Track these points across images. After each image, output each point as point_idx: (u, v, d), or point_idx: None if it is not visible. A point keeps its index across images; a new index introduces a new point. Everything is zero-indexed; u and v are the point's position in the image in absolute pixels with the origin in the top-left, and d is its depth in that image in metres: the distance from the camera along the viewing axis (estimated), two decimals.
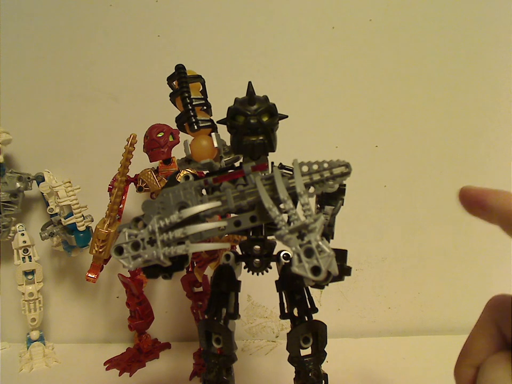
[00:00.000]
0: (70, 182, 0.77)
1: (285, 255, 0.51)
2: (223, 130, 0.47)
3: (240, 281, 0.51)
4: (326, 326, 0.49)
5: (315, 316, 0.49)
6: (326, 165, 0.40)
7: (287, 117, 0.47)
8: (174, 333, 0.91)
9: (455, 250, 0.91)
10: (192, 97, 0.47)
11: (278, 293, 0.50)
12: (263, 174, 0.44)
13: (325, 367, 0.50)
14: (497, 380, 0.23)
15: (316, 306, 0.50)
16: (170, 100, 0.50)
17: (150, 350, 0.84)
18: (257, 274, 0.48)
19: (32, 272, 0.84)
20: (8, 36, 0.86)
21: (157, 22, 0.85)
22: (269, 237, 0.47)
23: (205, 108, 0.48)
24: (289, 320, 0.50)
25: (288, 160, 0.45)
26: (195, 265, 0.73)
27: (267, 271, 0.49)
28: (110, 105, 0.87)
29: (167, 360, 0.83)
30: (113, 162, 0.71)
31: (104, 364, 0.81)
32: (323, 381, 0.48)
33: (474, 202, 0.27)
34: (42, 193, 0.84)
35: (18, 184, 0.83)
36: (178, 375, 0.77)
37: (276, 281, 0.51)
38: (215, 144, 0.46)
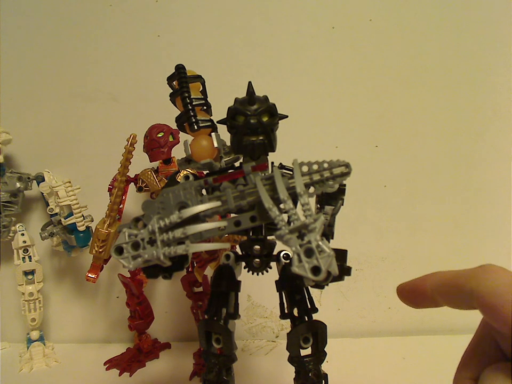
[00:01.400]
0: (70, 182, 0.77)
1: (285, 255, 0.50)
2: (223, 130, 0.47)
3: (240, 281, 0.51)
4: (326, 326, 0.49)
5: (315, 316, 0.49)
6: (326, 165, 0.40)
7: (287, 117, 0.47)
8: (174, 333, 0.91)
9: (455, 250, 0.91)
10: (192, 97, 0.47)
11: (278, 293, 0.50)
12: (263, 174, 0.43)
13: (325, 367, 0.50)
14: None
15: (316, 306, 0.50)
16: (170, 99, 0.50)
17: (150, 350, 0.84)
18: (257, 274, 0.48)
19: (32, 272, 0.84)
20: (8, 35, 0.86)
21: (157, 22, 0.85)
22: (269, 237, 0.47)
23: (205, 107, 0.48)
24: (289, 320, 0.50)
25: (288, 160, 0.45)
26: (195, 265, 0.73)
27: (267, 271, 0.49)
28: (110, 105, 0.87)
29: (167, 360, 0.83)
30: (113, 162, 0.71)
31: (104, 364, 0.81)
32: (323, 381, 0.48)
33: (415, 295, 0.27)
34: (42, 193, 0.84)
35: (18, 184, 0.83)
36: (178, 375, 0.77)
37: (275, 281, 0.51)
38: (215, 144, 0.46)
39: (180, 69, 0.48)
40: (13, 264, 0.83)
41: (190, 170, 0.58)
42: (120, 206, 0.73)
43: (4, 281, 0.90)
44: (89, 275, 0.71)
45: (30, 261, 0.83)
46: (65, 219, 0.78)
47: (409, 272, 0.91)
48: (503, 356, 0.25)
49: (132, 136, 0.68)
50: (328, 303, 0.90)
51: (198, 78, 0.49)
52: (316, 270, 0.35)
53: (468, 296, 0.24)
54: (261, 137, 0.45)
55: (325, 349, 0.49)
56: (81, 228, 0.78)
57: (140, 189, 0.75)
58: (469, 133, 0.89)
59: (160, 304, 0.91)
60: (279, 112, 0.46)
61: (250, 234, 0.47)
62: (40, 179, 0.84)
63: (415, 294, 0.27)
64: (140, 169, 0.76)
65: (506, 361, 0.24)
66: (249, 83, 0.45)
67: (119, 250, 0.40)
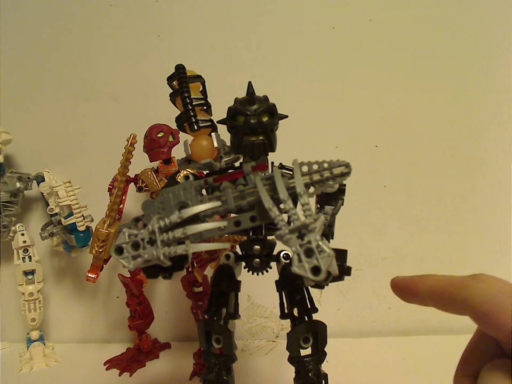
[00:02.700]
0: (70, 182, 0.77)
1: (285, 255, 0.50)
2: (223, 130, 0.47)
3: (240, 281, 0.51)
4: (326, 326, 0.49)
5: (315, 316, 0.49)
6: (326, 165, 0.40)
7: (287, 117, 0.47)
8: (174, 333, 0.91)
9: (455, 250, 0.91)
10: (192, 97, 0.47)
11: (278, 293, 0.50)
12: (263, 174, 0.43)
13: (325, 367, 0.50)
14: None
15: (316, 306, 0.50)
16: (170, 99, 0.50)
17: (150, 350, 0.84)
18: (257, 274, 0.48)
19: (32, 272, 0.84)
20: (8, 36, 0.86)
21: (157, 22, 0.85)
22: (269, 237, 0.47)
23: (205, 108, 0.48)
24: (289, 320, 0.50)
25: (288, 160, 0.45)
26: (195, 265, 0.73)
27: (267, 271, 0.49)
28: (110, 105, 0.87)
29: (167, 360, 0.83)
30: (113, 162, 0.71)
31: (104, 364, 0.81)
32: (323, 381, 0.48)
33: (406, 291, 0.28)
34: (42, 193, 0.84)
35: (18, 184, 0.83)
36: (178, 375, 0.77)
37: (275, 281, 0.51)
38: (215, 144, 0.46)
39: (179, 69, 0.48)
40: (13, 264, 0.83)
41: (190, 170, 0.58)
42: (120, 206, 0.73)
43: (4, 281, 0.90)
44: (89, 275, 0.71)
45: (30, 261, 0.83)
46: (65, 219, 0.78)
47: (409, 272, 0.90)
48: (503, 353, 0.25)
49: (131, 136, 0.68)
50: (328, 303, 0.90)
51: (198, 78, 0.49)
52: (315, 270, 0.35)
53: (459, 305, 0.24)
54: (261, 137, 0.45)
55: (325, 349, 0.49)
56: (81, 228, 0.78)
57: (139, 189, 0.75)
58: (469, 133, 0.89)
59: (160, 304, 0.91)
60: (279, 112, 0.46)
61: (250, 234, 0.47)
62: (40, 179, 0.84)
63: (407, 292, 0.28)
64: (140, 169, 0.76)
65: (506, 358, 0.24)
66: (249, 83, 0.45)
67: (119, 250, 0.40)
